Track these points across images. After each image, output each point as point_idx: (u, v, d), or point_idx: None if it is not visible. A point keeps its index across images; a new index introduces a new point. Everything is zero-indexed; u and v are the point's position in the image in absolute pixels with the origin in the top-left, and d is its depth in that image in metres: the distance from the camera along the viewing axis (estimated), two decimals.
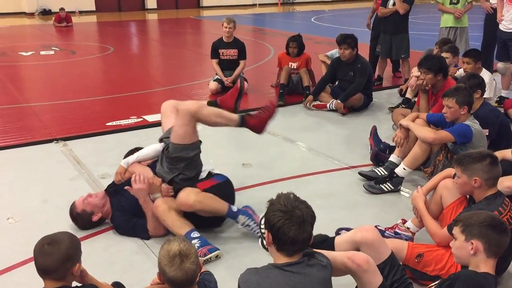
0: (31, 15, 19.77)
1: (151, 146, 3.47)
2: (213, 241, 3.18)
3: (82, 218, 3.29)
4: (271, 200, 2.07)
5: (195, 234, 3.03)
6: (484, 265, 2.09)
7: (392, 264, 2.37)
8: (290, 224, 1.94)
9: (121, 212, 3.29)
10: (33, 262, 2.91)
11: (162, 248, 2.04)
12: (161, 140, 3.44)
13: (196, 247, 2.80)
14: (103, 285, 2.22)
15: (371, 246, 2.38)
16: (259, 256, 3.01)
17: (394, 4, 6.96)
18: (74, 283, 2.12)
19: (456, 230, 2.18)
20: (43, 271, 2.01)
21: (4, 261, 2.99)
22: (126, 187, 3.21)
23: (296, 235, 1.94)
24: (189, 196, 3.06)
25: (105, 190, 3.49)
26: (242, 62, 7.10)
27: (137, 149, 3.59)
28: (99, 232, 3.33)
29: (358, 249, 2.43)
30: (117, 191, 3.41)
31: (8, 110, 6.23)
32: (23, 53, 10.67)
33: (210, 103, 3.80)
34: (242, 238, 3.27)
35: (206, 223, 3.29)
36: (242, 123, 3.35)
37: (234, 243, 3.23)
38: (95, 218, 3.28)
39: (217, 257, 2.98)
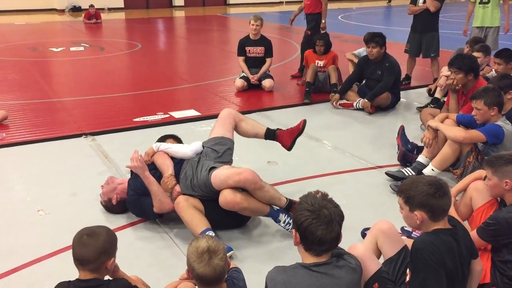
0: (62, 11, 20.15)
1: (184, 147, 3.44)
2: (238, 240, 3.21)
3: (108, 206, 3.55)
4: (300, 199, 2.07)
5: (211, 233, 3.01)
6: (434, 227, 2.15)
7: (406, 254, 2.33)
8: (317, 224, 1.93)
9: (134, 191, 3.36)
10: (62, 254, 3.01)
11: (191, 245, 2.06)
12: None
13: None
14: (133, 280, 2.25)
15: (386, 233, 2.39)
16: (285, 255, 3.01)
17: (424, 1, 6.86)
18: (106, 278, 2.15)
19: (400, 201, 2.25)
20: (79, 261, 2.05)
21: (34, 252, 3.06)
22: (126, 165, 3.33)
23: (324, 235, 1.93)
24: (236, 194, 3.04)
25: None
26: (268, 60, 7.10)
27: (172, 136, 3.69)
28: (126, 226, 3.39)
29: (376, 248, 2.41)
30: None
31: (39, 105, 6.38)
32: (54, 49, 10.90)
33: (268, 131, 3.75)
34: (267, 238, 3.28)
35: (230, 223, 3.31)
36: (289, 206, 3.24)
37: (260, 242, 3.23)
38: (113, 201, 3.48)
39: (230, 257, 2.96)
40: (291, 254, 2.80)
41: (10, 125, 5.50)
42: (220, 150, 3.40)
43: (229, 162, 3.46)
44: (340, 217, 2.00)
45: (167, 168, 3.30)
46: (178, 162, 3.38)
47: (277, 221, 3.22)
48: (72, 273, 2.12)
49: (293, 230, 2.03)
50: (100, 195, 3.60)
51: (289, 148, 3.77)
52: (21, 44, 11.65)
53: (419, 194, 2.14)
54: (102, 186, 3.61)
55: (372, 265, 2.18)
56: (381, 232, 2.40)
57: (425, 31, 6.97)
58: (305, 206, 1.98)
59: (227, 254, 2.88)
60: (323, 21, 7.45)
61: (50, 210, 3.63)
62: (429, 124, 3.90)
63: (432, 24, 6.96)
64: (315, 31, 7.43)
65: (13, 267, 2.91)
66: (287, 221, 3.19)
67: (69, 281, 2.06)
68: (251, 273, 2.71)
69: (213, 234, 2.98)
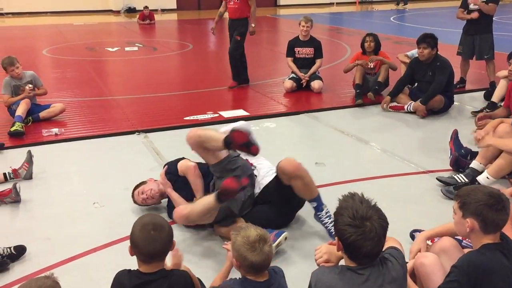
0: (117, 12, 20.86)
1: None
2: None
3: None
4: (340, 203, 1.98)
5: None
6: (484, 240, 2.07)
7: None
8: (362, 241, 1.87)
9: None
10: (115, 245, 3.12)
11: (239, 235, 2.09)
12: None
13: None
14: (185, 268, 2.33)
15: (448, 252, 2.33)
16: None
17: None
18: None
19: (455, 205, 2.17)
20: (151, 256, 2.02)
21: (90, 243, 3.21)
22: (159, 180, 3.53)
23: (369, 251, 1.88)
24: (295, 161, 3.17)
25: None
26: (318, 61, 7.09)
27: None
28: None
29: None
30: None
31: (95, 102, 6.65)
32: (110, 49, 11.31)
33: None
34: (310, 237, 3.28)
35: (274, 224, 3.30)
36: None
37: (304, 241, 3.24)
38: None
39: (286, 238, 3.03)
40: None
41: (68, 121, 5.76)
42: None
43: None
44: (384, 229, 1.92)
45: (197, 190, 3.38)
46: (208, 175, 3.45)
47: (319, 209, 3.21)
48: (125, 264, 2.19)
49: (336, 238, 1.98)
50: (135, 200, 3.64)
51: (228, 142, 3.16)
52: (79, 44, 12.16)
53: (477, 202, 2.07)
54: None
55: (440, 278, 2.15)
56: (443, 250, 2.36)
57: (478, 33, 6.71)
58: (348, 221, 1.89)
59: (283, 236, 3.00)
60: (252, 25, 7.09)
61: (104, 203, 3.78)
62: (488, 143, 3.73)
63: (486, 25, 6.70)
64: (244, 36, 7.19)
65: (71, 256, 3.07)
66: (328, 214, 3.17)
67: (129, 270, 2.09)
68: (295, 273, 2.73)
69: None
